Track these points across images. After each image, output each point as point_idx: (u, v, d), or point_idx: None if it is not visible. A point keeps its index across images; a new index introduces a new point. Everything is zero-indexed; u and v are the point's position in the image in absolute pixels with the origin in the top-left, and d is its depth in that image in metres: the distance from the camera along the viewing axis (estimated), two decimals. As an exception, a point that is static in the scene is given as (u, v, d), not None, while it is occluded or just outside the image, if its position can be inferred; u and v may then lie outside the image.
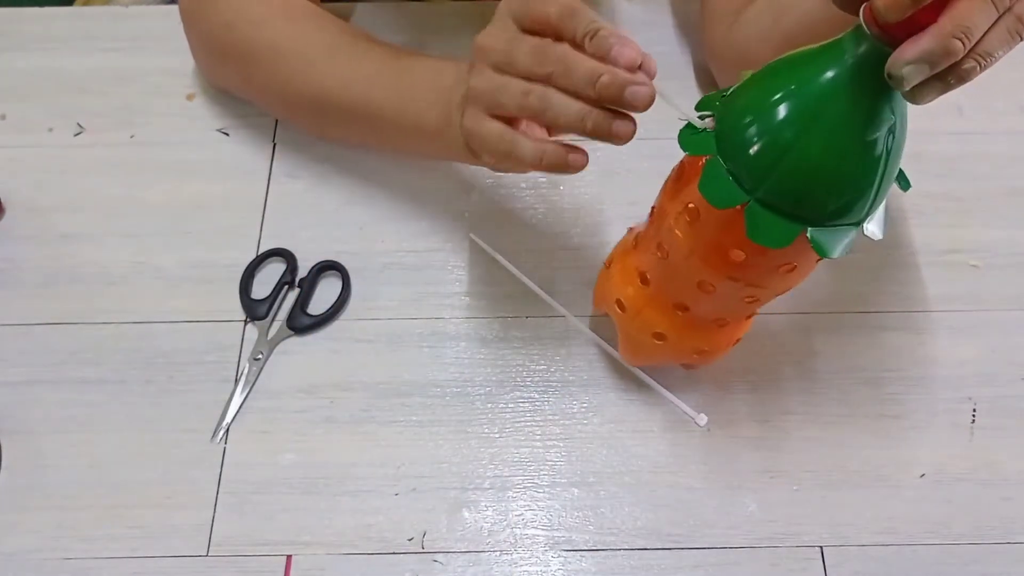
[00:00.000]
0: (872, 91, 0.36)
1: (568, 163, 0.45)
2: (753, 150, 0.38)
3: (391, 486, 0.55)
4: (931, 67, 0.33)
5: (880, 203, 0.40)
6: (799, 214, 0.39)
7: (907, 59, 0.33)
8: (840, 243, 0.40)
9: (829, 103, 0.36)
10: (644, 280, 0.51)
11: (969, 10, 0.33)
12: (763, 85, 0.39)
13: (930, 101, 0.35)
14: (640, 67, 0.41)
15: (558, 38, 0.43)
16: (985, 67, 0.34)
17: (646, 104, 0.41)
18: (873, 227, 0.41)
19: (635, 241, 0.52)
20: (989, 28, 0.33)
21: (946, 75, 0.34)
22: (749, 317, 0.52)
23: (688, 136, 0.41)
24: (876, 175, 0.38)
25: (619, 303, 0.52)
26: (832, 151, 0.37)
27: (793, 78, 0.38)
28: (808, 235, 0.39)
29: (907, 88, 0.34)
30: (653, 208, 0.49)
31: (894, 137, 0.37)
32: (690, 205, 0.44)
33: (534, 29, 0.44)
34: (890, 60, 0.34)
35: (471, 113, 0.48)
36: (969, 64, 0.34)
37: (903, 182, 0.42)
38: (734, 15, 0.62)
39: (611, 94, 0.41)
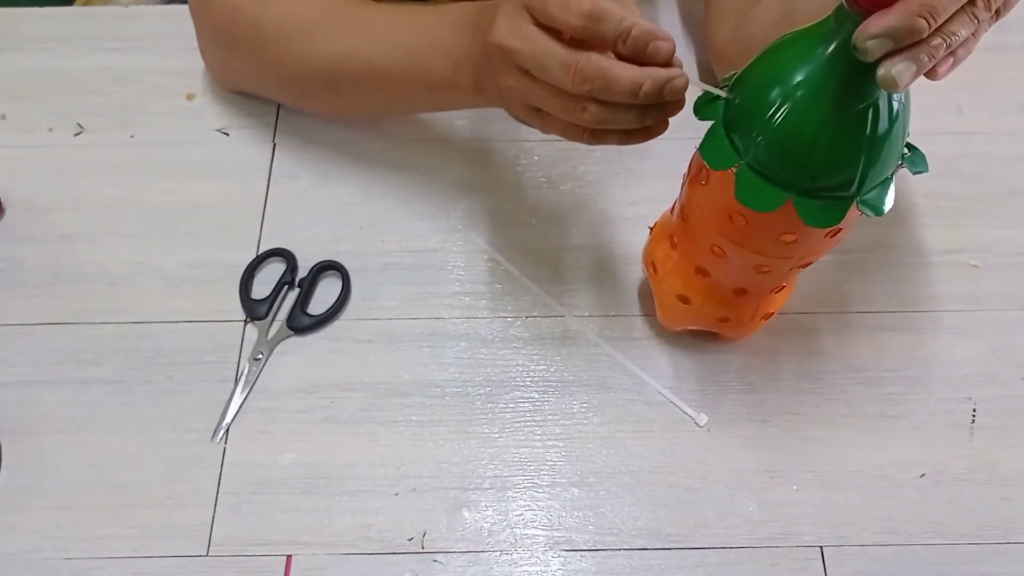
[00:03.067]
0: (853, 65, 0.36)
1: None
2: (745, 116, 0.41)
3: (391, 486, 0.55)
4: (895, 42, 0.34)
5: (875, 179, 0.41)
6: (787, 182, 0.40)
7: (871, 32, 0.34)
8: (829, 214, 0.41)
9: (810, 74, 0.38)
10: (673, 244, 0.53)
11: None
12: (762, 59, 0.41)
13: (906, 83, 0.35)
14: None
15: (580, 39, 0.43)
16: (950, 46, 0.34)
17: (683, 92, 0.43)
18: (873, 203, 0.41)
19: (672, 208, 0.54)
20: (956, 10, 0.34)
21: (917, 52, 0.34)
22: (777, 292, 0.53)
23: (701, 104, 0.43)
24: (860, 147, 0.39)
25: (652, 265, 0.55)
26: (811, 120, 0.39)
27: (784, 51, 0.40)
28: (793, 202, 0.40)
29: (870, 59, 0.34)
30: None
31: (878, 113, 0.38)
32: (702, 170, 0.45)
33: (553, 27, 0.44)
34: (856, 32, 0.35)
35: (509, 107, 0.49)
36: (936, 41, 0.34)
37: (914, 164, 0.42)
38: (739, 14, 0.62)
39: (653, 97, 0.42)
